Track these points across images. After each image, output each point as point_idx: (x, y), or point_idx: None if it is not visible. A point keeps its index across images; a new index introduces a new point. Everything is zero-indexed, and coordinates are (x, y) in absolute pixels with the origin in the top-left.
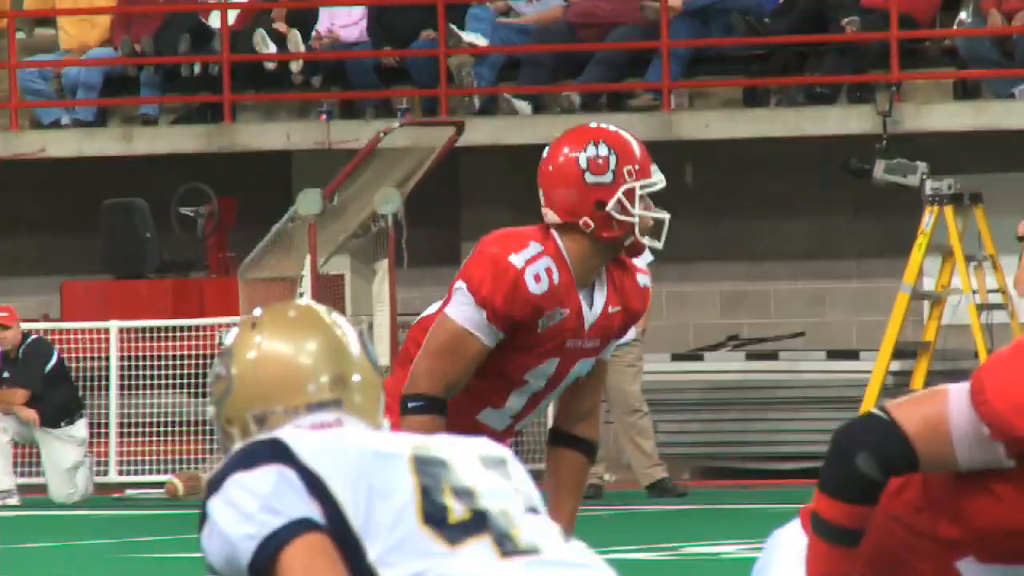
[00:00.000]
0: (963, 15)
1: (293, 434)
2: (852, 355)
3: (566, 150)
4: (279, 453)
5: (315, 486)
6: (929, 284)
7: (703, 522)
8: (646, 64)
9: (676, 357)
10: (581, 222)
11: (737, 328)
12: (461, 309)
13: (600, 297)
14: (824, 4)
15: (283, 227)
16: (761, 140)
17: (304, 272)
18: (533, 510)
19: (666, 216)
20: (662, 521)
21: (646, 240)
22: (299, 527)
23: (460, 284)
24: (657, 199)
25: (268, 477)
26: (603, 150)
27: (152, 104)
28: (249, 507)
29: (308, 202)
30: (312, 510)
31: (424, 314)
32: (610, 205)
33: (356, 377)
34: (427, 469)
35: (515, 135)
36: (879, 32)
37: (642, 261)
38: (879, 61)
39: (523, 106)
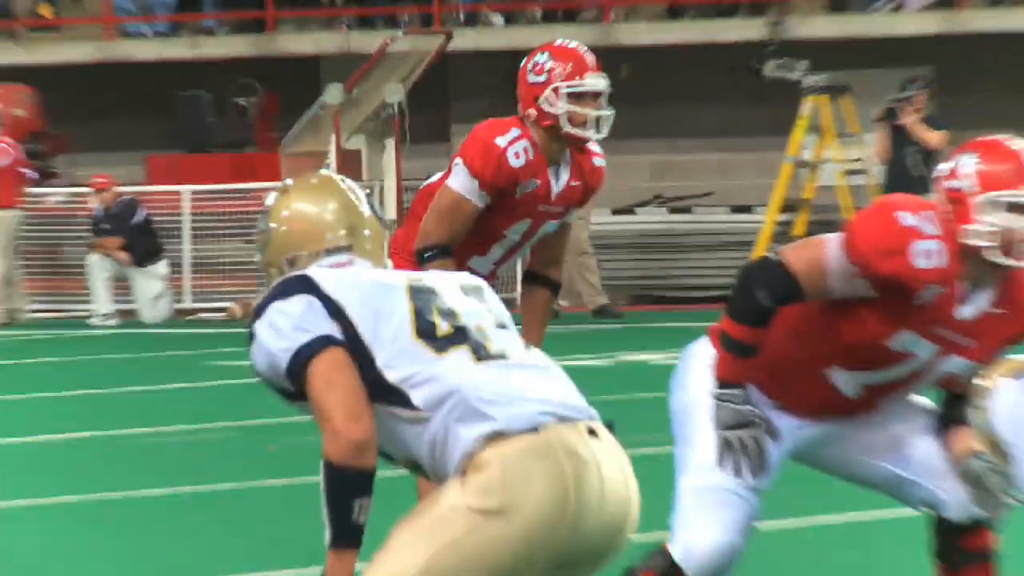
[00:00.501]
0: None
1: (318, 272)
2: (748, 210)
3: (525, 59)
4: (307, 286)
5: (335, 311)
6: (808, 155)
7: (636, 337)
8: None
9: (615, 211)
10: (526, 113)
11: (661, 189)
12: (459, 179)
13: (564, 173)
14: None
15: (314, 114)
16: (681, 45)
17: (330, 148)
18: (502, 326)
19: (592, 112)
20: (604, 337)
21: (576, 131)
22: (323, 342)
23: (458, 160)
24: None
25: (299, 304)
26: (543, 57)
27: (212, 19)
28: (285, 327)
29: (333, 94)
30: (333, 329)
31: (427, 182)
32: (540, 99)
33: (366, 230)
34: (419, 296)
35: (491, 42)
36: None
37: (596, 146)
38: None
39: (498, 20)
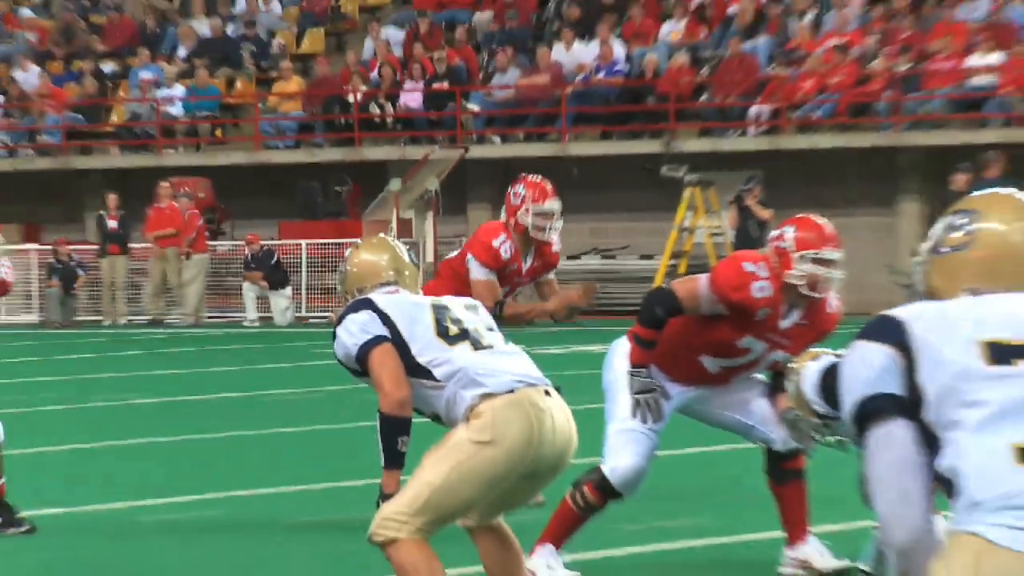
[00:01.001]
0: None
1: (376, 295)
2: (651, 257)
3: (511, 185)
4: (368, 304)
5: (385, 319)
6: (687, 224)
7: (582, 336)
8: (555, 119)
9: (568, 257)
10: (509, 220)
11: (596, 243)
12: (479, 271)
13: (530, 259)
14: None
15: (383, 196)
16: (610, 155)
17: (392, 217)
18: (491, 329)
19: (548, 224)
20: (563, 336)
21: (539, 236)
22: (378, 339)
23: (470, 257)
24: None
25: (363, 316)
26: (520, 188)
27: (321, 137)
28: (355, 330)
29: (395, 184)
30: (384, 331)
31: (448, 256)
32: (518, 213)
33: (406, 272)
34: (438, 310)
35: (492, 153)
36: (665, 104)
37: (555, 239)
38: (665, 118)
39: (496, 140)
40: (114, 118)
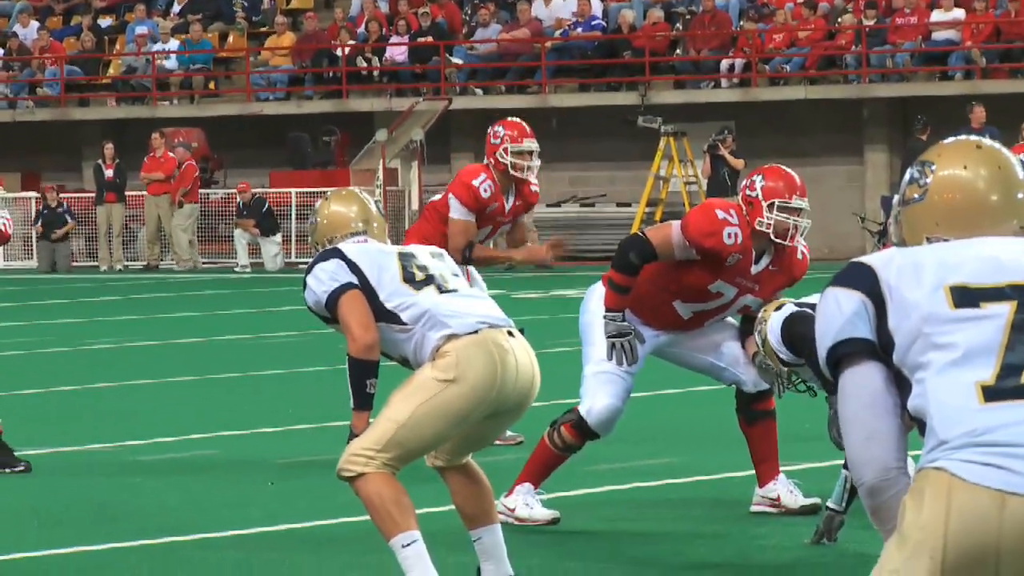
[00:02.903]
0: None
1: (345, 245)
2: (628, 205)
3: (490, 126)
4: (337, 253)
5: (353, 267)
6: (663, 173)
7: (560, 281)
8: (535, 71)
9: (548, 205)
10: (490, 162)
11: (576, 192)
12: (458, 210)
13: (512, 198)
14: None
15: (370, 146)
16: (588, 107)
17: (379, 167)
18: (455, 274)
19: (527, 164)
20: (543, 281)
21: (518, 174)
22: (347, 286)
23: (451, 197)
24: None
25: (332, 264)
26: (499, 128)
27: (310, 90)
28: (324, 278)
29: (381, 135)
30: (352, 278)
31: (432, 199)
32: (497, 153)
33: (374, 223)
34: (404, 258)
35: (474, 104)
36: (639, 58)
37: (534, 180)
38: (641, 71)
39: (479, 92)
40: (111, 71)
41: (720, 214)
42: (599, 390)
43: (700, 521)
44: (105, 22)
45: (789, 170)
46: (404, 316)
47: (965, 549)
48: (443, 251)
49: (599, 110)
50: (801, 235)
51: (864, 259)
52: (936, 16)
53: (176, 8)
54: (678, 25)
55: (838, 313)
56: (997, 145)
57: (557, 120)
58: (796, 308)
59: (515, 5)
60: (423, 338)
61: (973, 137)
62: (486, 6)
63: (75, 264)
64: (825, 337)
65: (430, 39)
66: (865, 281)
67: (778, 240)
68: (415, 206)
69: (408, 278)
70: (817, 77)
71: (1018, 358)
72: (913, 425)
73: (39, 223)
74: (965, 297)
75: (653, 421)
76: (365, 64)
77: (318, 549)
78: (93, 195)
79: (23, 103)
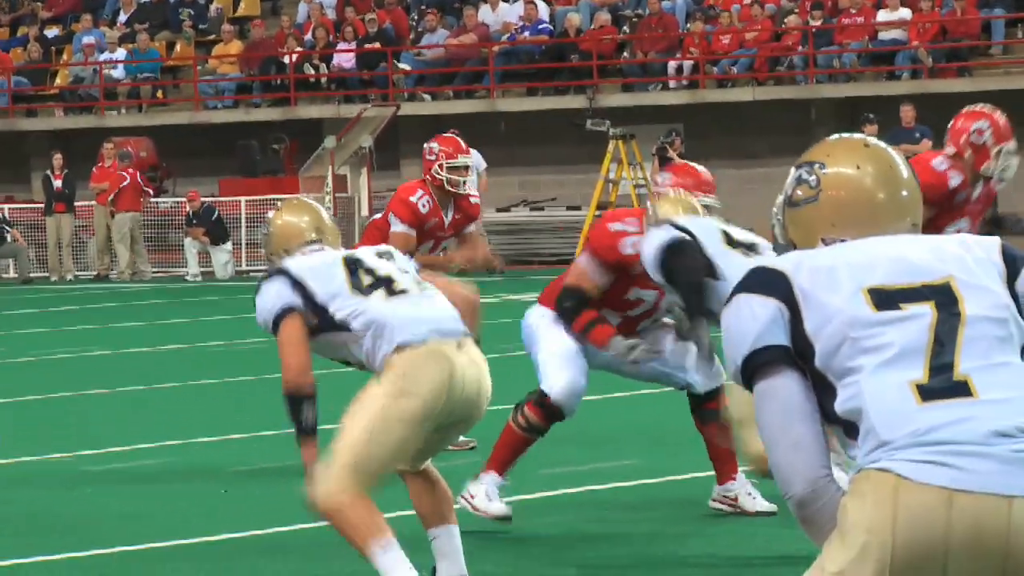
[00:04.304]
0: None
1: (292, 261)
2: (578, 208)
3: (425, 145)
4: (282, 273)
5: (297, 285)
6: (612, 176)
7: (511, 285)
8: (483, 76)
9: (498, 210)
10: (427, 178)
11: (525, 196)
12: (397, 226)
13: (451, 212)
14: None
15: (319, 153)
16: (537, 111)
17: (328, 173)
18: (404, 271)
19: (462, 179)
20: (494, 285)
21: (454, 189)
22: (286, 311)
23: (391, 216)
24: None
25: (277, 284)
26: (434, 145)
27: (258, 98)
28: (269, 297)
29: (330, 142)
30: (295, 299)
31: (373, 218)
32: (432, 170)
33: (327, 232)
34: (351, 263)
35: (422, 110)
36: (587, 62)
37: (473, 191)
38: (589, 75)
39: (427, 98)
40: (58, 81)
41: (616, 227)
42: (559, 370)
43: (659, 522)
44: (52, 32)
45: (699, 168)
46: (354, 324)
47: (914, 548)
48: (391, 248)
49: (547, 114)
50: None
51: (772, 264)
52: (882, 16)
53: (123, 18)
54: (625, 28)
55: (753, 320)
56: (883, 143)
57: (506, 124)
58: (675, 234)
59: (462, 10)
60: (373, 346)
61: (857, 136)
62: (433, 12)
63: (22, 276)
64: (741, 344)
65: (377, 45)
66: (779, 286)
67: None
68: (365, 212)
69: (355, 284)
70: (765, 78)
71: (946, 357)
72: (832, 430)
73: None
74: (884, 299)
75: (608, 423)
76: (313, 71)
77: (269, 556)
78: (42, 206)
79: None
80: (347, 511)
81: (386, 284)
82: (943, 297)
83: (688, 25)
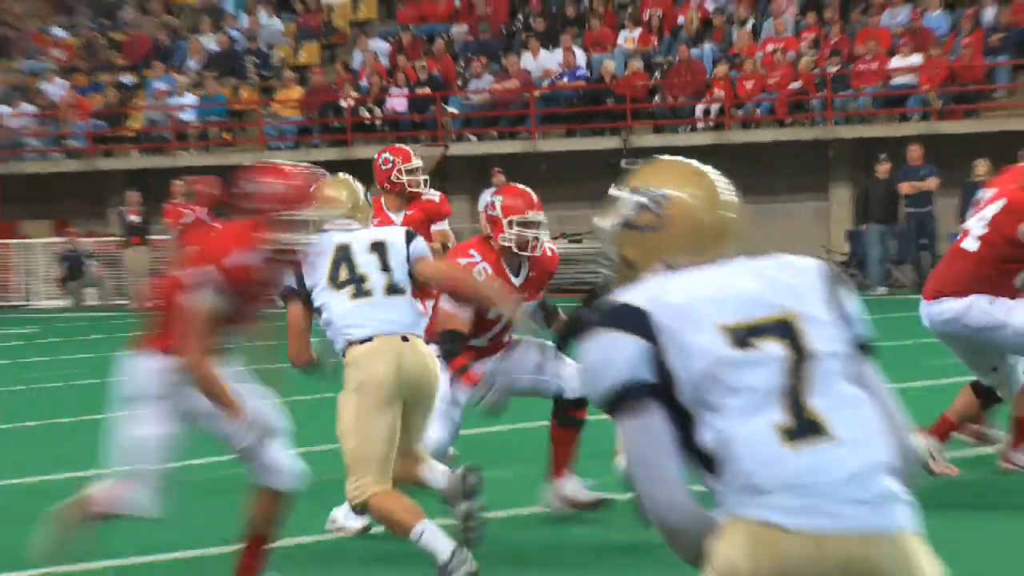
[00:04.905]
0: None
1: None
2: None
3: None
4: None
5: (298, 276)
6: None
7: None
8: (525, 119)
9: None
10: (385, 187)
11: (564, 228)
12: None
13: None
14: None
15: (374, 189)
16: (575, 151)
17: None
18: (385, 268)
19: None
20: None
21: (522, 253)
22: (287, 293)
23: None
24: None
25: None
26: (386, 154)
27: (318, 139)
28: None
29: None
30: (292, 283)
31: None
32: (391, 177)
33: (359, 211)
34: (339, 252)
35: (469, 150)
36: (621, 105)
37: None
38: (623, 117)
39: (473, 139)
40: (133, 124)
41: (462, 262)
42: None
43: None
44: (127, 79)
45: (524, 187)
46: (322, 316)
47: None
48: (385, 240)
49: (584, 154)
50: (541, 247)
51: (629, 300)
52: (895, 62)
53: (192, 65)
54: (656, 74)
55: (617, 354)
56: (710, 170)
57: (546, 164)
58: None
59: (505, 58)
60: (333, 338)
61: (686, 161)
62: (479, 59)
63: (105, 303)
64: (603, 378)
65: (427, 90)
66: (640, 323)
67: (522, 253)
68: None
69: (332, 278)
70: (785, 120)
71: (801, 397)
72: (691, 461)
73: (65, 265)
74: (740, 338)
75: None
76: (368, 114)
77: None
78: (120, 239)
79: (53, 155)
80: (374, 504)
81: (358, 283)
82: (790, 334)
83: (714, 71)
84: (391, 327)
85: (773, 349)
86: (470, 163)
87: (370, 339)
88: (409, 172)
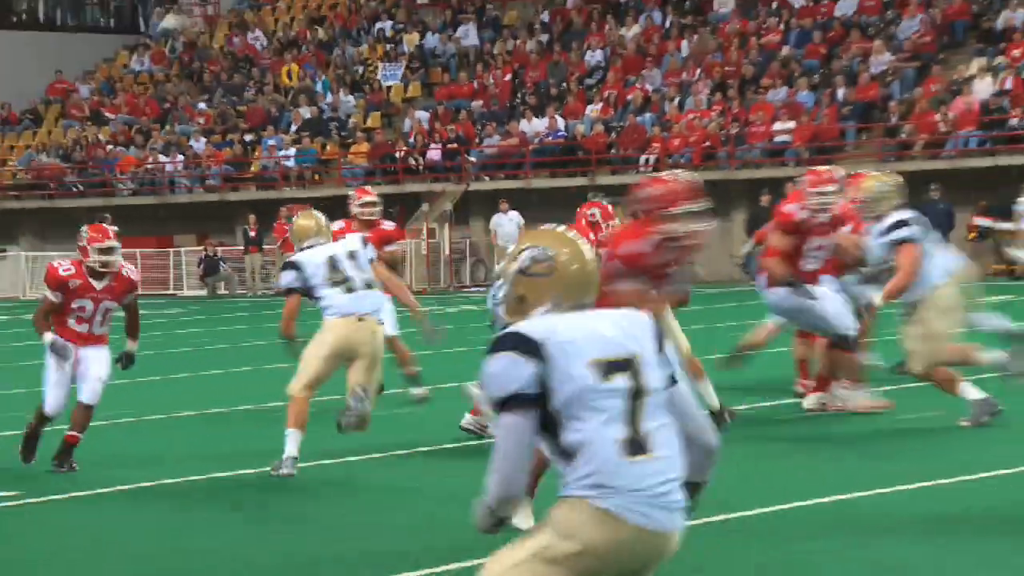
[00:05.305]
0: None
1: (302, 255)
2: None
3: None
4: (292, 265)
5: (301, 276)
6: (605, 232)
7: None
8: (522, 165)
9: None
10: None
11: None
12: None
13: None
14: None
15: (417, 215)
16: (558, 187)
17: (423, 227)
18: (359, 270)
19: (374, 209)
20: None
21: (369, 217)
22: (289, 292)
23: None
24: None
25: (289, 273)
26: (352, 193)
27: (380, 179)
28: (284, 280)
29: (424, 207)
30: (295, 283)
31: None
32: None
33: (324, 235)
34: (331, 260)
35: (486, 187)
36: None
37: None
38: (589, 164)
39: (487, 180)
40: (252, 169)
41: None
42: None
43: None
44: (248, 137)
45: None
46: (321, 304)
47: (610, 563)
48: (356, 249)
49: (563, 190)
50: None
51: (527, 332)
52: (777, 126)
53: (293, 128)
54: (613, 134)
55: (514, 370)
56: (578, 235)
57: (536, 197)
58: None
59: (508, 123)
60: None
61: (561, 228)
62: (491, 124)
63: (232, 293)
64: (501, 387)
65: (455, 145)
66: (535, 350)
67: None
68: (447, 251)
69: (330, 278)
70: (700, 166)
71: (636, 421)
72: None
73: (202, 266)
74: (603, 370)
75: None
76: (414, 162)
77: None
78: (241, 248)
79: (197, 190)
80: (295, 404)
81: (345, 282)
82: (634, 372)
83: (652, 132)
84: (355, 311)
85: (622, 382)
86: (484, 196)
87: (340, 316)
88: (361, 206)
